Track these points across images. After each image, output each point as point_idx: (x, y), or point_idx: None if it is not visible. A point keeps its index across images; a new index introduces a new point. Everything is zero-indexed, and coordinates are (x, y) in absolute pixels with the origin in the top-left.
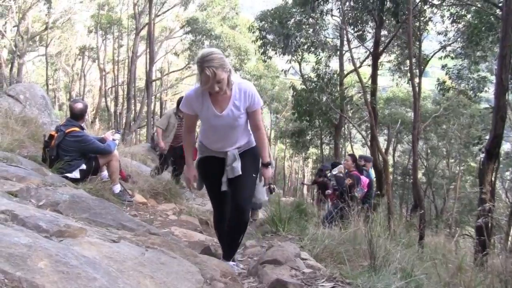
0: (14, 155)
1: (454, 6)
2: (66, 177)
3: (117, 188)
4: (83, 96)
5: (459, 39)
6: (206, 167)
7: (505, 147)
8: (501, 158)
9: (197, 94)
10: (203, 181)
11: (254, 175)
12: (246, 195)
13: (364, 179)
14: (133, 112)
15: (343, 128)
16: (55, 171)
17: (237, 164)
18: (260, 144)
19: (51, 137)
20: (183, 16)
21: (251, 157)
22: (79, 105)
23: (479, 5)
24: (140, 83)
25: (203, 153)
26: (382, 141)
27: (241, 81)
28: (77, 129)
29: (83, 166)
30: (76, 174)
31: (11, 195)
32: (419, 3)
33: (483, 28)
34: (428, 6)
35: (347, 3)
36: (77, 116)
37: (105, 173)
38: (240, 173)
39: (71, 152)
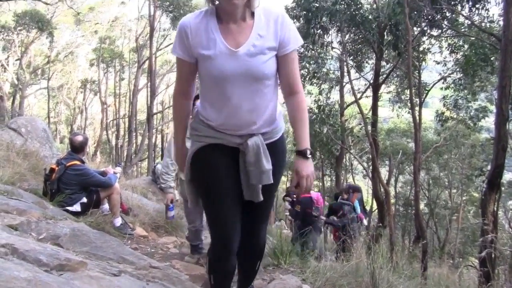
0: (15, 188)
1: (452, 37)
2: (67, 211)
3: (118, 221)
4: (84, 129)
5: (457, 70)
6: (209, 164)
7: (507, 176)
8: (503, 188)
9: (198, 21)
10: (202, 189)
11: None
12: (265, 220)
13: (316, 195)
14: (134, 145)
15: (344, 160)
16: (55, 205)
17: (268, 164)
18: (300, 116)
19: (51, 170)
20: None
21: (281, 156)
22: (79, 138)
23: (475, 37)
24: (142, 116)
25: (201, 139)
26: (383, 172)
27: (267, 6)
28: (77, 162)
29: (84, 200)
30: (77, 208)
31: (11, 229)
32: (418, 35)
33: (478, 59)
34: (426, 37)
35: (347, 36)
36: (77, 149)
37: (106, 206)
38: (272, 181)
39: (72, 185)
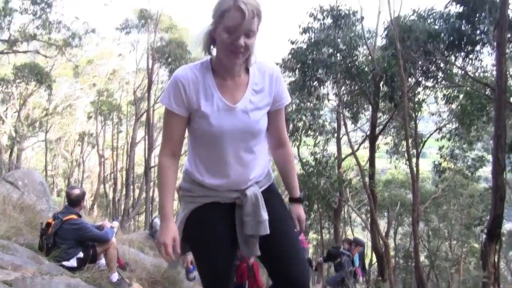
0: (10, 243)
1: (446, 88)
2: (63, 266)
3: (115, 276)
4: (81, 182)
5: (453, 120)
6: (206, 224)
7: (507, 226)
8: (504, 238)
9: (195, 74)
10: (198, 250)
11: (291, 223)
12: (302, 260)
13: (300, 236)
14: (131, 198)
15: (342, 212)
16: (51, 260)
17: (265, 214)
18: (290, 167)
19: (48, 224)
20: None
21: (278, 196)
22: (76, 192)
23: (469, 87)
24: (139, 169)
25: (196, 200)
26: (382, 224)
27: (261, 60)
28: (74, 216)
29: (80, 254)
30: (73, 263)
31: (6, 285)
32: (413, 86)
33: (474, 109)
34: (421, 88)
35: (343, 87)
36: (74, 202)
37: (102, 261)
38: (268, 231)
39: (68, 240)
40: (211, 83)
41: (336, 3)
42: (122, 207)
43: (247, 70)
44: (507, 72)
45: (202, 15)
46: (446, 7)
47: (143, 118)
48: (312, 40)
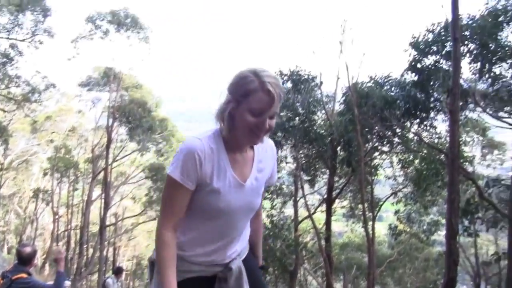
0: None
1: (402, 153)
2: None
3: None
4: (34, 240)
5: (408, 184)
6: None
7: None
8: None
9: (211, 147)
10: None
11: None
12: None
13: None
14: (85, 257)
15: (298, 275)
16: None
17: (247, 286)
18: (258, 237)
19: None
20: (141, 162)
21: (254, 261)
22: (28, 250)
23: (424, 152)
24: (94, 228)
25: (179, 274)
26: (338, 287)
27: (265, 138)
28: (24, 275)
29: None
30: None
31: None
32: (370, 151)
33: (429, 174)
34: (378, 153)
35: (301, 151)
36: (25, 261)
37: None
38: None
39: None
40: (225, 158)
41: (296, 68)
42: (75, 266)
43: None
44: (460, 139)
45: (166, 74)
46: (402, 75)
47: (100, 176)
48: None
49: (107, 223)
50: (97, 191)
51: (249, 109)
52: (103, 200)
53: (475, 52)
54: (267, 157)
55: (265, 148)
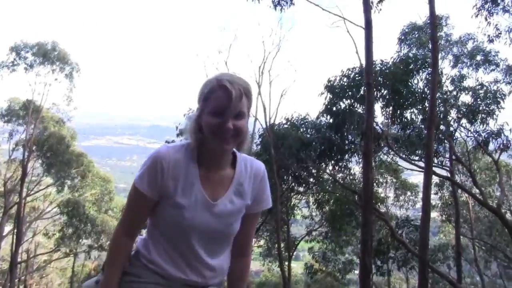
0: None
1: (318, 193)
2: None
3: None
4: None
5: (324, 224)
6: None
7: None
8: None
9: (179, 157)
10: None
11: None
12: None
13: None
14: None
15: None
16: None
17: None
18: (243, 282)
19: None
20: (57, 197)
21: None
22: None
23: (339, 193)
24: (4, 265)
25: (142, 286)
26: None
27: (250, 157)
28: None
29: None
30: None
31: None
32: (286, 191)
33: (343, 214)
34: (294, 193)
35: None
36: None
37: None
38: None
39: None
40: (194, 172)
41: None
42: None
43: (233, 165)
44: (373, 180)
45: (88, 107)
46: (318, 117)
47: (13, 211)
48: None
49: (19, 259)
50: (8, 226)
51: (210, 111)
52: (15, 236)
53: (387, 97)
54: (251, 181)
55: (250, 171)
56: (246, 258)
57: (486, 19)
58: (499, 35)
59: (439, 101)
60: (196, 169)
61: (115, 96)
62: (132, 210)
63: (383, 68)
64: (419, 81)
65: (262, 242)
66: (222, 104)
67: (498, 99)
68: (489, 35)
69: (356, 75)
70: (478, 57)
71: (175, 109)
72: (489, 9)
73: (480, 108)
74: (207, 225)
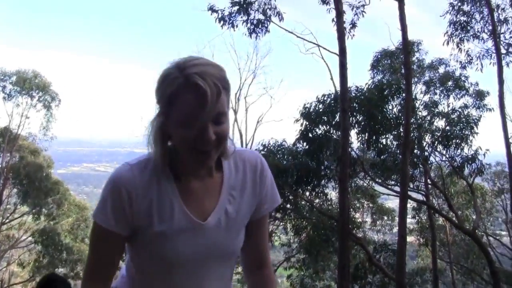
0: None
1: (295, 219)
2: None
3: None
4: None
5: (301, 250)
6: None
7: None
8: None
9: (146, 178)
10: None
11: None
12: None
13: None
14: None
15: None
16: None
17: None
18: None
19: None
20: (32, 225)
21: None
22: None
23: (316, 219)
24: None
25: None
26: None
27: (238, 149)
28: None
29: None
30: None
31: None
32: None
33: (320, 240)
34: (272, 219)
35: None
36: None
37: None
38: None
39: None
40: (171, 188)
41: None
42: None
43: (218, 165)
44: (349, 205)
45: (65, 133)
46: (294, 144)
47: None
48: None
49: None
50: None
51: (178, 120)
52: None
53: (363, 123)
54: (247, 179)
55: (243, 167)
56: (266, 269)
57: (457, 45)
58: (471, 61)
59: (414, 126)
60: (172, 183)
61: (92, 123)
62: (97, 254)
63: (358, 94)
64: (393, 107)
65: (239, 269)
66: (194, 110)
67: (471, 124)
68: (461, 62)
69: (332, 101)
70: (449, 83)
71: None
72: (460, 35)
73: (454, 133)
74: (199, 250)
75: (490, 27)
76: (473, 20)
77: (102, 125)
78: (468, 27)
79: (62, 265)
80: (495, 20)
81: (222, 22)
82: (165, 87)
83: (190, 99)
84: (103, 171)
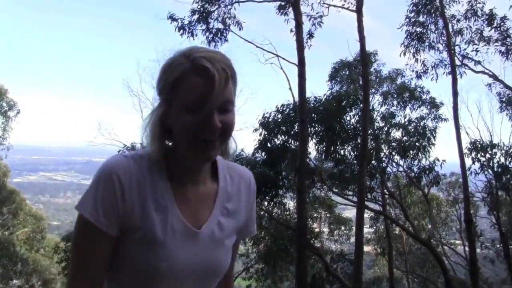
0: None
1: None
2: None
3: None
4: None
5: (259, 260)
6: None
7: None
8: None
9: (142, 172)
10: None
11: None
12: None
13: None
14: None
15: None
16: None
17: None
18: None
19: None
20: None
21: None
22: None
23: (274, 229)
24: None
25: None
26: None
27: (232, 163)
28: None
29: None
30: None
31: None
32: None
33: (278, 250)
34: None
35: None
36: None
37: None
38: None
39: None
40: (166, 189)
41: None
42: None
43: (213, 175)
44: (307, 215)
45: (21, 141)
46: (253, 154)
47: None
48: None
49: None
50: None
51: (184, 106)
52: None
53: (321, 133)
54: (241, 194)
55: (238, 181)
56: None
57: (414, 55)
58: (426, 71)
59: (371, 137)
60: (168, 186)
61: (49, 130)
62: (85, 256)
63: (317, 105)
64: (351, 118)
65: None
66: (202, 94)
67: (428, 135)
68: (417, 71)
69: (290, 112)
70: (406, 94)
71: (110, 146)
72: (416, 46)
73: (411, 144)
74: (192, 261)
75: (445, 38)
76: (428, 31)
77: (58, 133)
78: (424, 38)
79: (17, 277)
80: (450, 31)
81: (181, 30)
82: (169, 73)
83: (197, 82)
84: (60, 180)
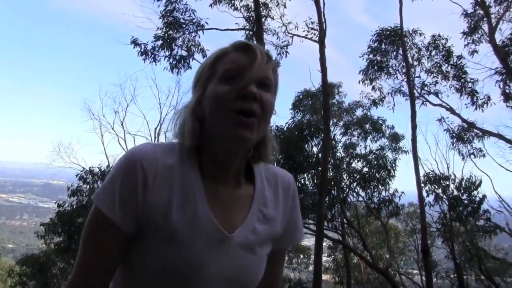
0: None
1: None
2: None
3: None
4: None
5: None
6: None
7: None
8: None
9: (170, 163)
10: None
11: None
12: None
13: None
14: None
15: None
16: None
17: None
18: None
19: None
20: None
21: None
22: None
23: None
24: None
25: None
26: None
27: (271, 165)
28: None
29: None
30: None
31: None
32: None
33: None
34: None
35: None
36: None
37: None
38: None
39: None
40: (196, 185)
41: (108, 168)
42: None
43: (248, 178)
44: None
45: None
46: None
47: None
48: (82, 202)
49: None
50: None
51: (220, 76)
52: None
53: (282, 162)
54: (279, 199)
55: (274, 184)
56: None
57: (371, 82)
58: (383, 98)
59: (331, 167)
60: (199, 180)
61: (6, 151)
62: (95, 249)
63: (278, 133)
64: (313, 147)
65: None
66: (241, 66)
67: (389, 168)
68: (374, 99)
69: None
70: (367, 126)
71: (68, 169)
72: (375, 74)
73: (371, 175)
74: (220, 268)
75: (404, 66)
76: (389, 59)
77: (15, 154)
78: (383, 65)
79: None
80: (409, 60)
81: (144, 56)
82: (209, 58)
83: (239, 55)
84: (17, 202)
